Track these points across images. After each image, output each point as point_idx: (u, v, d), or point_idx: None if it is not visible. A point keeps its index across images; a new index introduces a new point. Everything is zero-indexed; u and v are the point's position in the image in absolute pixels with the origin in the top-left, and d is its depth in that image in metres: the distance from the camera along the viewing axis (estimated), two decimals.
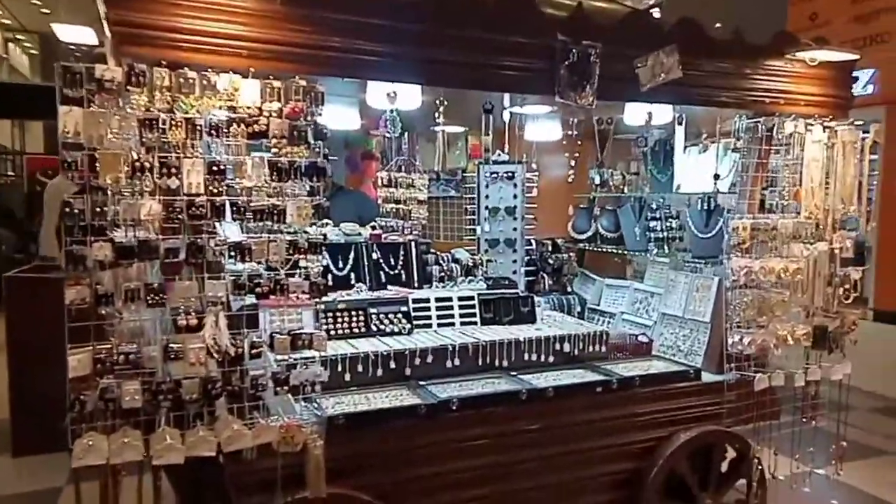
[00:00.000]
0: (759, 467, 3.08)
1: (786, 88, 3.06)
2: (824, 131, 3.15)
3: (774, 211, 3.15)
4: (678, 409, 2.91)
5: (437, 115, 3.01)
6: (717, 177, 3.38)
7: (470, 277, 3.43)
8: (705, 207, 3.47)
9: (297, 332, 2.13)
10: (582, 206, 4.38)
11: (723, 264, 3.11)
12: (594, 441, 2.75)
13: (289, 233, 2.21)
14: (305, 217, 2.22)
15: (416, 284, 3.18)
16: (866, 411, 5.57)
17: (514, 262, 3.79)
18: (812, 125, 3.08)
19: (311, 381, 2.11)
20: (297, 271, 2.17)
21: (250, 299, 2.09)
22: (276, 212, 2.13)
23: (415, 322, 2.95)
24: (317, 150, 2.23)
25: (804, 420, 3.34)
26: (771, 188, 3.14)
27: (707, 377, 3.02)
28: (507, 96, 3.22)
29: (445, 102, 2.98)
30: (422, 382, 2.60)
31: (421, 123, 3.76)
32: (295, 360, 2.15)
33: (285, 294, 2.08)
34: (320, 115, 2.25)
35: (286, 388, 2.05)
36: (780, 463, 3.24)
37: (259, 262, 2.15)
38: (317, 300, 2.28)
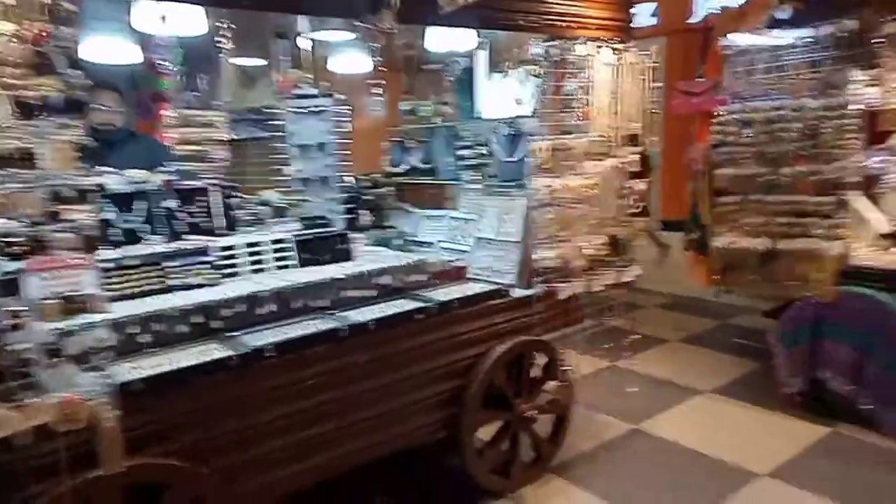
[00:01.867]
0: (567, 368, 3.30)
1: (577, 12, 3.14)
2: (613, 54, 3.29)
3: (571, 132, 3.27)
4: (493, 325, 3.00)
5: (222, 42, 2.68)
6: (518, 102, 3.43)
7: (283, 219, 3.21)
8: (510, 132, 3.52)
9: (70, 294, 1.81)
10: (395, 139, 4.28)
11: (527, 186, 3.19)
12: (420, 365, 2.76)
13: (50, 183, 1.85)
14: (68, 161, 1.88)
15: (221, 232, 2.90)
16: (652, 307, 6.28)
17: (331, 200, 3.61)
18: (601, 47, 3.20)
19: (96, 347, 1.83)
20: (64, 225, 1.83)
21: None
22: (24, 156, 1.76)
23: (225, 271, 2.70)
24: (73, 82, 1.86)
25: (603, 320, 3.62)
26: (568, 109, 3.24)
27: (518, 293, 3.13)
28: (303, 21, 2.96)
29: (233, 26, 2.65)
30: (234, 333, 2.39)
31: (216, 54, 3.36)
32: (73, 327, 1.85)
33: (47, 252, 1.75)
34: (76, 40, 1.88)
35: (62, 359, 1.75)
36: (586, 362, 3.51)
37: (12, 219, 1.79)
38: (95, 257, 1.96)
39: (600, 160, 3.30)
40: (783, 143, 3.79)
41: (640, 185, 3.50)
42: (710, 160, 4.23)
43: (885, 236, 3.91)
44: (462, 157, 3.72)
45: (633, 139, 3.44)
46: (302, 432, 2.40)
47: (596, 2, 3.20)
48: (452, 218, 3.81)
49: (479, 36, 3.51)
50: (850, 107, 3.59)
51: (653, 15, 7.39)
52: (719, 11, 4.34)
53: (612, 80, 3.31)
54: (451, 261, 3.31)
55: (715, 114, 4.08)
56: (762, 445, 3.55)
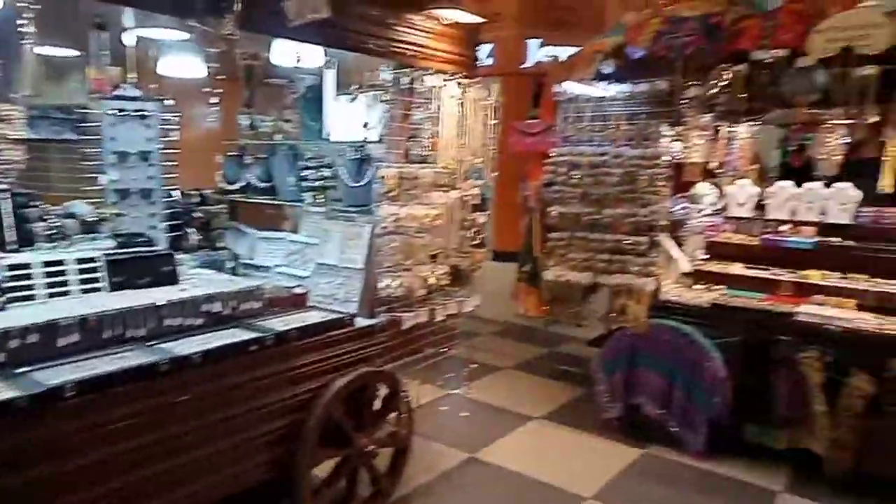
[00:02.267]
0: (407, 399, 3.24)
1: (425, 43, 3.16)
2: (459, 87, 3.36)
3: (417, 161, 3.27)
4: (334, 356, 2.86)
5: (25, 25, 2.29)
6: (366, 125, 3.36)
7: (93, 235, 2.81)
8: (357, 156, 3.43)
9: None
10: (231, 154, 3.98)
11: (373, 212, 3.12)
12: (253, 402, 2.54)
13: None
14: None
15: (10, 247, 2.45)
16: (487, 335, 6.49)
17: (153, 215, 3.25)
18: (448, 81, 3.25)
19: None
20: None
21: None
22: None
23: (11, 294, 2.27)
24: None
25: (443, 350, 3.63)
26: (415, 139, 3.24)
27: (361, 322, 3.03)
28: (128, 13, 2.64)
29: (39, 7, 2.28)
30: (25, 370, 2.00)
31: (17, 39, 2.87)
32: None
33: None
34: None
35: None
36: (425, 391, 3.48)
37: None
38: None
39: (446, 191, 3.33)
40: (605, 186, 4.13)
41: (481, 217, 3.59)
42: (543, 198, 4.47)
43: (687, 274, 4.41)
44: (305, 178, 3.55)
45: (473, 173, 3.53)
46: (111, 483, 2.06)
47: (444, 36, 3.26)
48: (292, 241, 3.61)
49: (326, 55, 3.40)
50: (661, 158, 4.00)
51: (489, 56, 7.84)
52: (552, 60, 4.66)
53: (458, 115, 3.38)
54: (290, 287, 3.12)
55: (548, 155, 4.34)
56: (587, 469, 3.75)
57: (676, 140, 4.36)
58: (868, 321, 3.58)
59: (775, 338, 3.70)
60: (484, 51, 7.80)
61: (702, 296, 4.19)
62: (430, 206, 3.19)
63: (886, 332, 3.47)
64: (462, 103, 3.43)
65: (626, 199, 4.11)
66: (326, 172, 3.57)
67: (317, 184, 3.59)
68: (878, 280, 3.93)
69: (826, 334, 3.56)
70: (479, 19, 3.27)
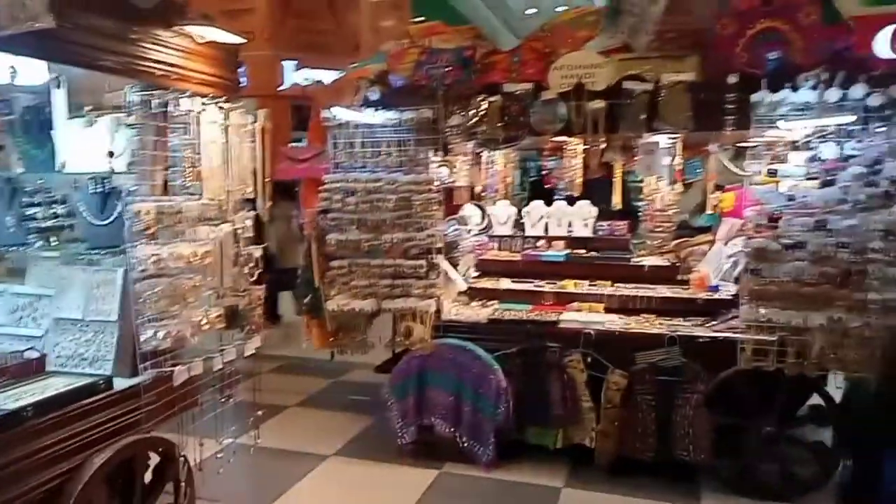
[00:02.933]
0: (185, 463, 2.84)
1: (177, 62, 2.84)
2: (220, 112, 3.08)
3: (179, 193, 2.91)
4: (89, 429, 2.39)
5: None
6: (111, 154, 2.90)
7: None
8: (100, 190, 2.94)
9: None
10: None
11: (127, 254, 2.68)
12: None
13: None
14: None
15: None
16: (268, 373, 6.09)
17: None
18: (206, 104, 2.96)
19: None
20: None
21: None
22: None
23: None
24: None
25: (224, 399, 3.27)
26: (173, 168, 2.88)
27: (120, 384, 2.58)
28: None
29: None
30: None
31: None
32: None
33: None
34: None
35: None
36: (208, 447, 3.09)
37: None
38: None
39: (216, 225, 3.02)
40: (382, 212, 4.13)
41: (257, 251, 3.33)
42: (319, 226, 4.33)
43: (464, 293, 4.61)
44: (31, 217, 2.95)
45: (250, 202, 3.27)
46: None
47: (200, 56, 2.97)
48: (17, 294, 2.96)
49: (51, 70, 2.89)
50: (432, 183, 4.14)
51: (241, 76, 7.49)
52: (316, 84, 4.57)
53: (222, 141, 3.10)
54: (20, 351, 2.54)
55: (321, 181, 4.23)
56: (388, 499, 3.67)
57: (444, 165, 4.55)
58: (615, 322, 4.08)
59: (545, 345, 4.02)
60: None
61: (479, 312, 4.41)
62: (198, 242, 2.85)
63: (630, 331, 3.99)
64: (226, 129, 3.15)
65: (402, 223, 4.16)
66: (60, 209, 3.01)
67: (48, 223, 3.00)
68: (619, 285, 4.52)
69: (585, 338, 3.96)
70: (237, 39, 3.04)
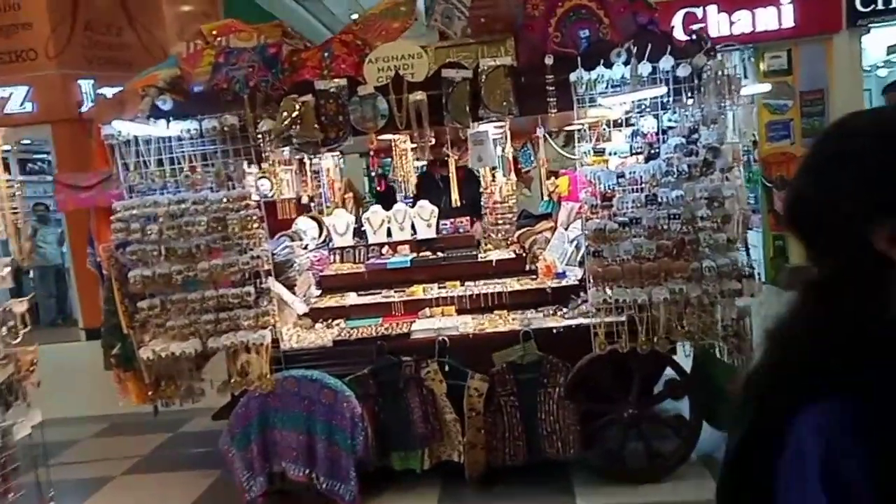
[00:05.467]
0: None
1: None
2: None
3: None
4: None
5: None
6: None
7: None
8: None
9: None
10: None
11: None
12: None
13: None
14: None
15: None
16: (89, 439, 5.14)
17: None
18: None
19: None
20: None
21: None
22: None
23: None
24: None
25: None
26: None
27: None
28: None
29: None
30: None
31: None
32: None
33: None
34: None
35: None
36: None
37: None
38: None
39: None
40: (193, 238, 3.51)
41: (17, 305, 2.60)
42: (118, 262, 3.61)
43: (305, 315, 4.08)
44: None
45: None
46: None
47: None
48: None
49: None
50: (249, 198, 3.58)
51: (25, 101, 6.38)
52: (99, 98, 3.81)
53: None
54: None
55: (113, 210, 3.51)
56: None
57: (263, 177, 4.00)
58: (468, 324, 3.79)
59: (399, 360, 3.63)
60: (19, 94, 6.33)
61: (323, 335, 3.92)
62: None
63: (485, 331, 3.71)
64: None
65: (219, 247, 3.57)
66: None
67: None
68: (469, 283, 4.24)
69: (440, 346, 3.62)
70: None
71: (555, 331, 3.64)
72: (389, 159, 4.99)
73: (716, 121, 3.37)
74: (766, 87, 5.37)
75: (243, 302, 3.60)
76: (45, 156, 7.64)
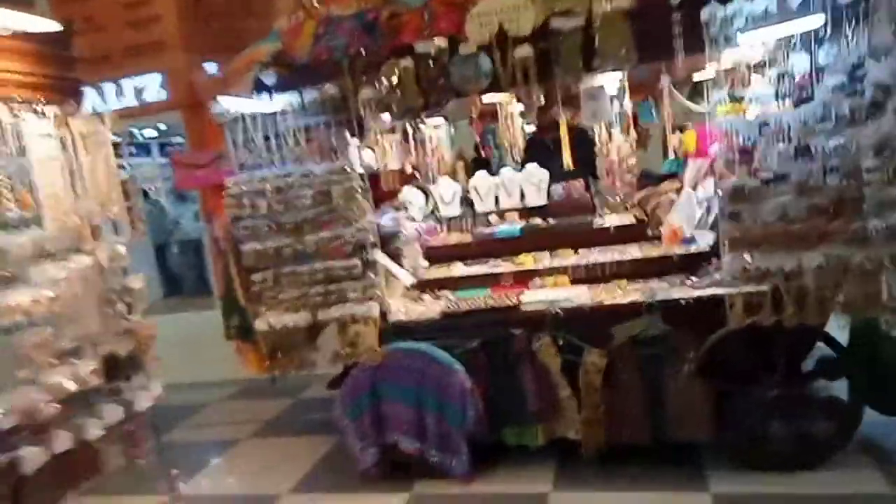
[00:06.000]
0: None
1: None
2: (50, 121, 2.40)
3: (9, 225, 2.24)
4: None
5: None
6: None
7: None
8: None
9: None
10: None
11: None
12: None
13: None
14: None
15: None
16: (218, 402, 5.45)
17: None
18: (20, 113, 2.28)
19: None
20: None
21: None
22: None
23: None
24: None
25: (131, 461, 2.64)
26: None
27: None
28: None
29: None
30: None
31: None
32: None
33: None
34: None
35: None
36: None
37: None
38: None
39: (65, 261, 2.36)
40: (299, 211, 3.50)
41: (136, 282, 2.68)
42: (234, 236, 3.68)
43: (413, 287, 3.98)
44: None
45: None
46: None
47: (11, 52, 2.28)
48: None
49: None
50: (353, 169, 3.49)
51: (161, 87, 6.77)
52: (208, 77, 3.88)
53: (63, 157, 2.43)
54: None
55: (226, 186, 3.57)
56: None
57: (367, 148, 3.91)
58: (583, 296, 3.49)
59: (510, 333, 3.43)
60: (154, 82, 6.73)
61: (431, 307, 3.80)
62: (38, 286, 2.19)
63: (603, 303, 3.40)
64: (71, 141, 2.48)
65: (326, 220, 3.53)
66: None
67: None
68: (582, 251, 3.92)
69: (553, 318, 3.37)
70: (53, 25, 2.35)
71: (683, 302, 3.24)
72: (492, 125, 4.75)
73: (889, 52, 2.77)
74: None
75: (351, 274, 3.55)
76: (180, 139, 8.14)
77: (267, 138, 3.56)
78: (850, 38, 2.86)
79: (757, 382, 3.16)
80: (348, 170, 3.45)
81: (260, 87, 3.51)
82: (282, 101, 3.47)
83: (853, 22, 2.84)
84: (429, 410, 3.48)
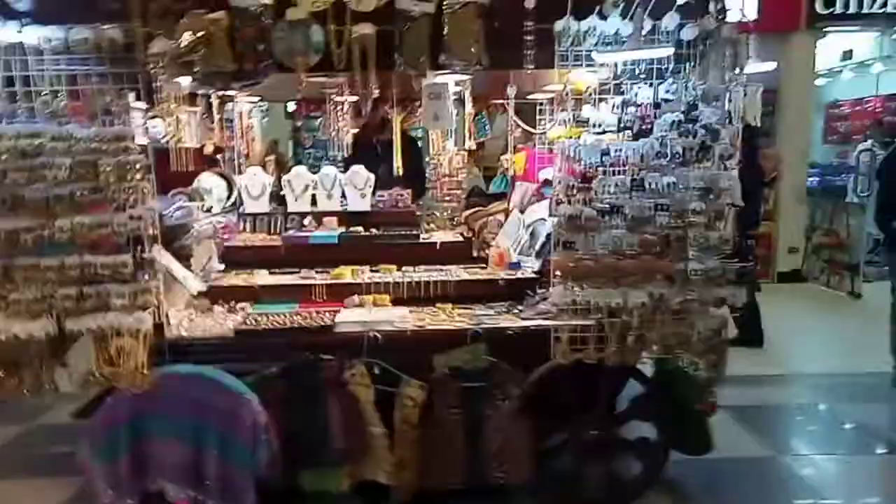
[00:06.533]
0: None
1: None
2: None
3: None
4: None
5: None
6: None
7: None
8: None
9: None
10: None
11: None
12: None
13: None
14: None
15: None
16: None
17: None
18: None
19: None
20: None
21: None
22: None
23: None
24: None
25: None
26: None
27: None
28: None
29: None
30: None
31: None
32: None
33: None
34: None
35: None
36: None
37: None
38: None
39: None
40: (50, 186, 2.62)
41: None
42: None
43: (199, 295, 3.26)
44: None
45: None
46: None
47: None
48: None
49: None
50: (131, 139, 2.71)
51: None
52: None
53: None
54: None
55: None
56: None
57: (156, 117, 3.13)
58: (406, 318, 3.10)
59: (318, 358, 2.90)
60: None
61: (223, 321, 3.12)
62: None
63: (426, 328, 3.04)
64: None
65: (88, 202, 2.69)
66: None
67: None
68: (406, 268, 3.54)
69: (370, 343, 2.93)
70: None
71: (509, 332, 3.02)
72: (318, 113, 4.21)
73: (719, 98, 2.82)
74: (771, 65, 4.77)
75: (117, 274, 2.74)
76: None
77: (10, 82, 2.63)
78: (688, 76, 2.89)
79: (577, 421, 3.02)
80: (126, 139, 2.66)
81: (5, 9, 2.57)
82: (36, 34, 2.58)
83: (694, 61, 2.86)
84: (209, 449, 2.81)
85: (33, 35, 2.59)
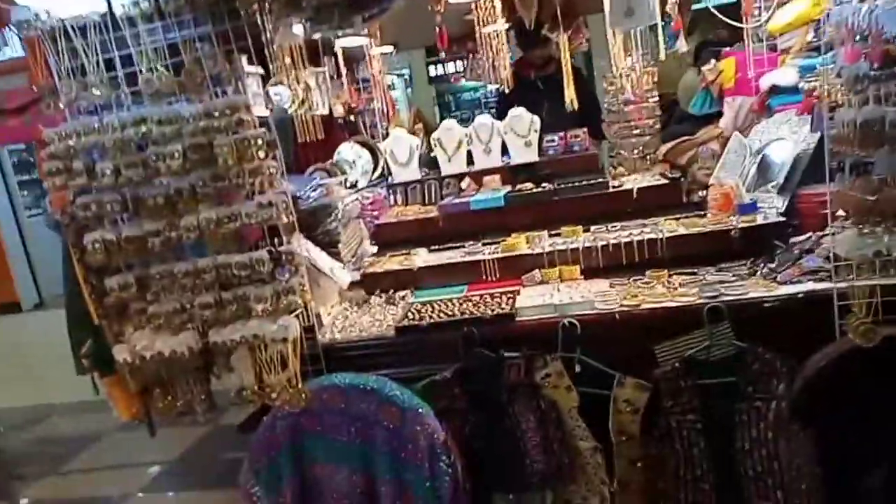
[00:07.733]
0: None
1: None
2: None
3: None
4: None
5: None
6: None
7: None
8: None
9: None
10: None
11: None
12: None
13: None
14: None
15: None
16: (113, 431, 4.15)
17: None
18: None
19: None
20: None
21: None
22: None
23: None
24: None
25: None
26: None
27: None
28: None
29: None
30: None
31: None
32: None
33: None
34: None
35: None
36: None
37: None
38: None
39: None
40: (166, 176, 2.20)
41: None
42: (73, 219, 2.37)
43: (353, 286, 2.74)
44: None
45: None
46: None
47: None
48: None
49: None
50: (249, 111, 2.20)
51: None
52: None
53: None
54: None
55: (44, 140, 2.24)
56: None
57: (278, 83, 2.61)
58: (609, 295, 2.30)
59: (500, 356, 2.24)
60: None
61: (382, 316, 2.57)
62: None
63: (637, 307, 2.22)
64: None
65: (210, 192, 2.24)
66: None
67: None
68: (596, 228, 2.73)
69: (565, 332, 2.19)
70: None
71: (765, 304, 2.10)
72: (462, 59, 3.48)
73: None
74: None
75: (254, 273, 2.27)
76: None
77: (109, 64, 2.23)
78: None
79: (888, 435, 2.03)
80: (239, 109, 2.15)
81: None
82: (117, 4, 2.13)
83: None
84: (381, 476, 2.28)
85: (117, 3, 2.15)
